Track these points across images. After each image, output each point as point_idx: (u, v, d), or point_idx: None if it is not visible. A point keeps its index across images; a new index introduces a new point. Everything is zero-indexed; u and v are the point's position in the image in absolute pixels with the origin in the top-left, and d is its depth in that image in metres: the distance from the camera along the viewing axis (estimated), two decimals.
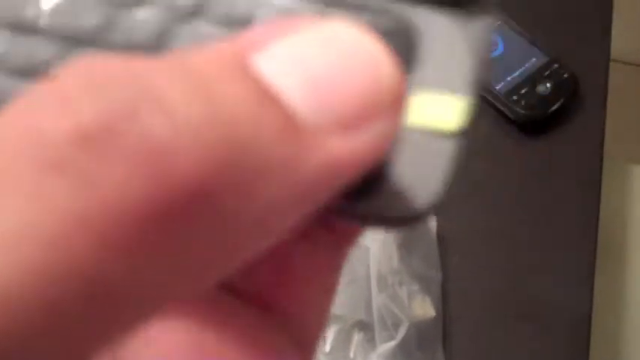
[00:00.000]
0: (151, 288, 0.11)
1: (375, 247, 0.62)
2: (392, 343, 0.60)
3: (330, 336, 0.59)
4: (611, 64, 0.81)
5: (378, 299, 0.60)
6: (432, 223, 0.67)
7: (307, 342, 0.16)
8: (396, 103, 0.12)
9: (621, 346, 0.90)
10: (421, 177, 0.14)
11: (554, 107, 0.76)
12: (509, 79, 0.77)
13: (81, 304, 0.10)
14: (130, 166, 0.10)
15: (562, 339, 0.67)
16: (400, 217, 0.14)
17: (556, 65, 0.78)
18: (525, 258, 0.70)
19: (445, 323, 0.65)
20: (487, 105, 0.77)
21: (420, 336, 0.61)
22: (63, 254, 0.10)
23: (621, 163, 0.98)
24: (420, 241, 0.65)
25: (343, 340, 0.60)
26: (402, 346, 0.60)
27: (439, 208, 0.14)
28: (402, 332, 0.60)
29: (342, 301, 0.61)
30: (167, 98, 0.11)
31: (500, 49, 0.79)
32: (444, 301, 0.65)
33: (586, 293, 0.69)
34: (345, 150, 0.12)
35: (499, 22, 0.80)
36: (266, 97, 0.11)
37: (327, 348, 0.60)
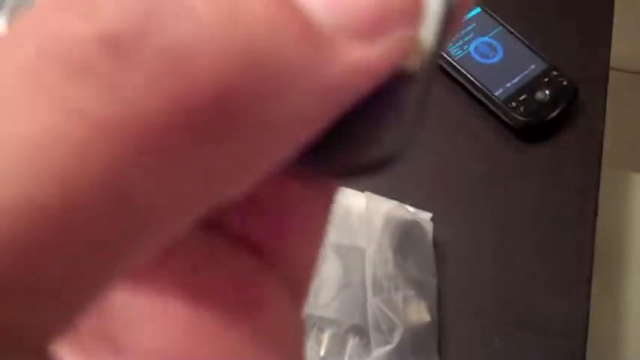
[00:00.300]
0: (175, 200, 0.11)
1: (370, 251, 0.62)
2: (387, 348, 0.59)
3: (324, 340, 0.59)
4: (611, 71, 0.81)
5: (373, 303, 0.60)
6: (429, 228, 0.67)
7: (299, 289, 0.16)
8: (412, 13, 0.13)
9: (618, 354, 0.90)
10: (386, 121, 0.14)
11: (553, 114, 0.76)
12: (508, 85, 0.77)
13: (101, 217, 0.10)
14: (154, 72, 0.10)
15: (558, 346, 0.67)
16: (369, 164, 0.14)
17: (555, 72, 0.78)
18: (522, 264, 0.70)
19: (440, 329, 0.65)
20: (486, 111, 0.77)
21: (415, 341, 0.61)
22: (86, 161, 0.10)
23: (620, 170, 0.98)
24: (416, 246, 0.65)
25: (338, 345, 0.60)
26: (397, 351, 0.60)
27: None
28: (397, 337, 0.60)
29: (337, 306, 0.60)
30: (189, 4, 0.11)
31: (499, 55, 0.79)
32: (439, 307, 0.65)
33: (583, 300, 0.69)
34: (363, 57, 0.12)
35: (499, 29, 0.80)
36: (283, 2, 0.12)
37: (322, 352, 0.59)
